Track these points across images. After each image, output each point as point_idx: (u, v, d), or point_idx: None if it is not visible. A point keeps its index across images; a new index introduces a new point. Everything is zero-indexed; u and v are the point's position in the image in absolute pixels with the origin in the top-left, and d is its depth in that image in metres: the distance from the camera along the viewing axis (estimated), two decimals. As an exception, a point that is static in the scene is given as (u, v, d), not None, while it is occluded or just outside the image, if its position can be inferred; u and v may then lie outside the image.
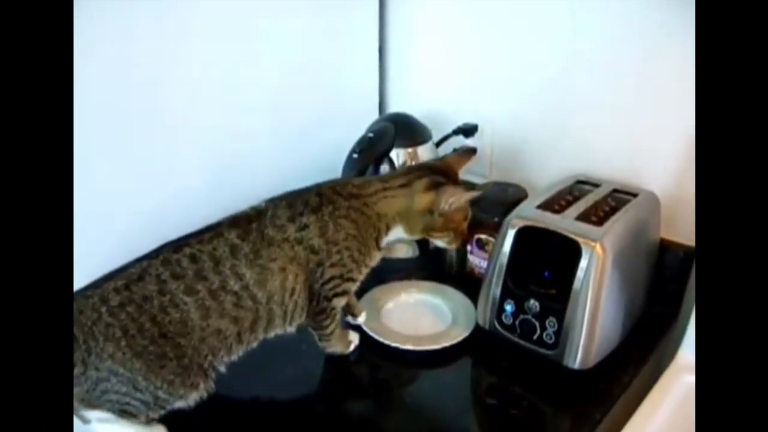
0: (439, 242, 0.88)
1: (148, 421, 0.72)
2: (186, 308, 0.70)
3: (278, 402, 0.80)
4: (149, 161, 0.90)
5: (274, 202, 0.80)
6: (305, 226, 0.77)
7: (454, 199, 0.82)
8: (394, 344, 0.87)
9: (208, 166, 0.99)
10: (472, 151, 0.93)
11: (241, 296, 0.73)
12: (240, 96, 1.00)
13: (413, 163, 1.05)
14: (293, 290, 0.77)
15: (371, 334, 0.89)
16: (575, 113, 1.04)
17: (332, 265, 0.78)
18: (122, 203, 0.88)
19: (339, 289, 0.80)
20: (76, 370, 0.67)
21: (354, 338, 0.89)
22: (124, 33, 0.82)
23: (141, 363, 0.68)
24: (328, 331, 0.83)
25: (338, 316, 0.84)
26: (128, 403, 0.69)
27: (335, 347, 0.86)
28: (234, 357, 0.76)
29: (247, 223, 0.76)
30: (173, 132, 0.92)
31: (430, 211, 0.83)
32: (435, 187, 0.83)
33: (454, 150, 1.13)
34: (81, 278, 0.70)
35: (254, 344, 0.78)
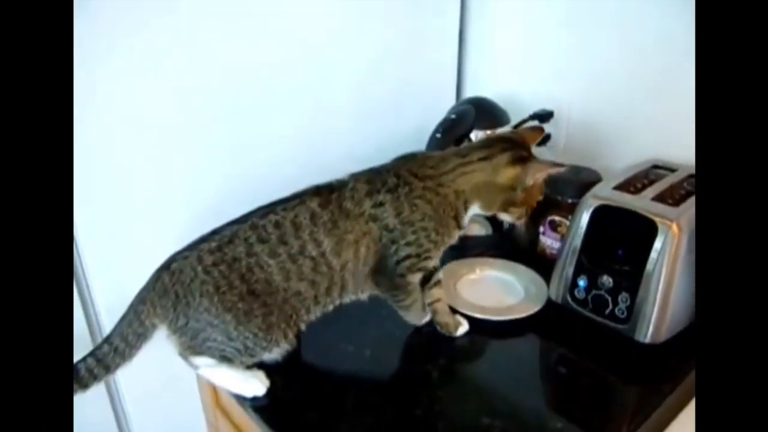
0: (508, 217, 0.87)
1: (248, 367, 0.80)
2: (270, 270, 0.77)
3: (361, 358, 0.86)
4: (241, 136, 0.99)
5: (356, 176, 0.83)
6: (381, 204, 0.80)
7: (541, 174, 0.82)
8: (469, 313, 0.92)
9: (294, 142, 1.06)
10: (541, 129, 0.94)
11: (318, 262, 0.78)
12: (327, 77, 1.06)
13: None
14: (366, 261, 0.81)
15: (454, 306, 0.93)
16: (650, 100, 1.06)
17: (407, 244, 0.81)
18: (216, 175, 0.98)
19: (415, 267, 0.83)
20: (180, 322, 0.76)
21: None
22: (220, 16, 0.90)
23: (231, 316, 0.75)
24: (406, 303, 0.86)
25: (417, 290, 0.86)
26: (224, 350, 0.77)
27: (410, 317, 0.89)
28: (312, 317, 0.82)
29: (328, 193, 0.80)
30: (262, 109, 1.00)
31: (513, 187, 0.83)
32: (520, 161, 0.82)
33: (532, 127, 1.17)
34: (173, 240, 0.80)
35: (330, 307, 0.83)
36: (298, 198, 0.81)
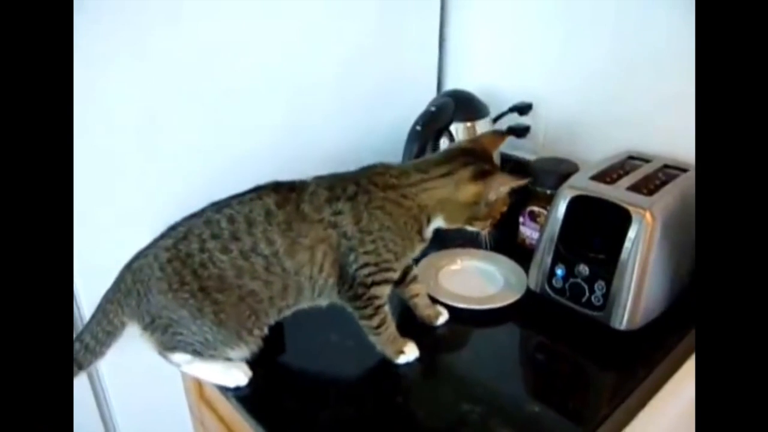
0: (473, 229, 0.86)
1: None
2: (223, 266, 0.75)
3: (344, 348, 0.87)
4: (219, 133, 0.99)
5: (318, 181, 0.81)
6: (340, 212, 0.77)
7: (504, 188, 0.81)
8: (450, 303, 0.94)
9: (272, 140, 1.06)
10: (503, 133, 0.94)
11: (270, 261, 0.76)
12: (305, 73, 1.07)
13: (469, 136, 1.11)
14: (322, 267, 0.78)
15: (433, 295, 0.94)
16: (627, 94, 1.08)
17: (366, 253, 0.78)
18: (183, 170, 0.98)
19: (377, 278, 0.79)
20: (147, 320, 0.77)
21: (410, 350, 0.84)
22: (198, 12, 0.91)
23: (186, 312, 0.75)
24: (373, 323, 0.81)
25: (387, 312, 0.82)
26: (192, 344, 0.77)
27: (385, 347, 0.82)
28: (272, 320, 0.80)
29: (287, 192, 0.78)
30: (238, 107, 1.01)
31: (475, 202, 0.81)
32: (481, 176, 0.80)
33: (509, 129, 1.19)
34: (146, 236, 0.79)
35: (288, 312, 0.81)
36: (255, 193, 0.79)
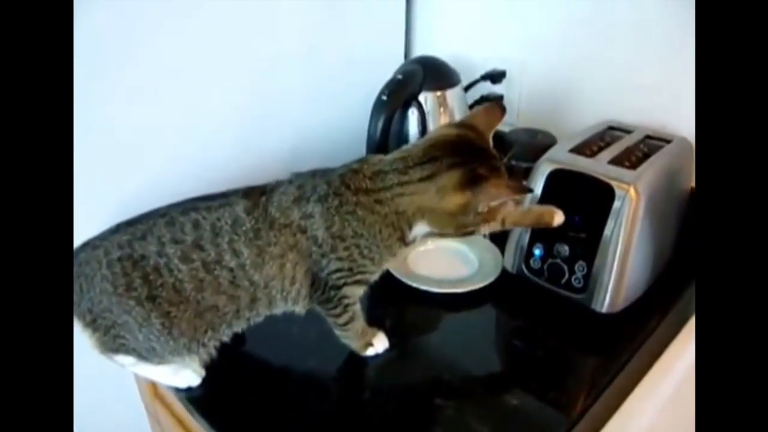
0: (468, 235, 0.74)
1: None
2: (180, 276, 0.66)
3: (307, 339, 0.81)
4: (176, 109, 0.91)
5: (294, 178, 0.72)
6: (310, 215, 0.69)
7: (497, 202, 0.69)
8: (422, 287, 0.88)
9: (237, 116, 0.99)
10: (502, 109, 0.75)
11: (237, 275, 0.68)
12: (266, 43, 0.98)
13: (441, 110, 1.03)
14: (293, 278, 0.70)
15: (399, 277, 0.89)
16: (605, 59, 1.02)
17: (339, 259, 0.70)
18: (151, 151, 0.89)
19: (350, 280, 0.71)
20: (89, 318, 0.68)
21: (379, 343, 0.78)
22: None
23: (130, 318, 0.67)
24: (340, 321, 0.74)
25: (357, 308, 0.75)
26: (136, 349, 0.69)
27: (351, 342, 0.77)
28: (238, 330, 0.73)
29: (258, 196, 0.70)
30: (200, 84, 0.92)
31: (464, 213, 0.68)
32: (470, 183, 0.67)
33: (482, 98, 1.12)
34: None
35: (258, 319, 0.73)
36: (226, 197, 0.70)
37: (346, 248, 0.69)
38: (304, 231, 0.69)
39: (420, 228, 0.71)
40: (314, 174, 0.72)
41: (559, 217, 0.78)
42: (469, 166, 0.67)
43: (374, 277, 0.74)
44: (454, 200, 0.67)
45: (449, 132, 0.72)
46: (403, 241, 0.72)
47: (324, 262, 0.70)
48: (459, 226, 0.70)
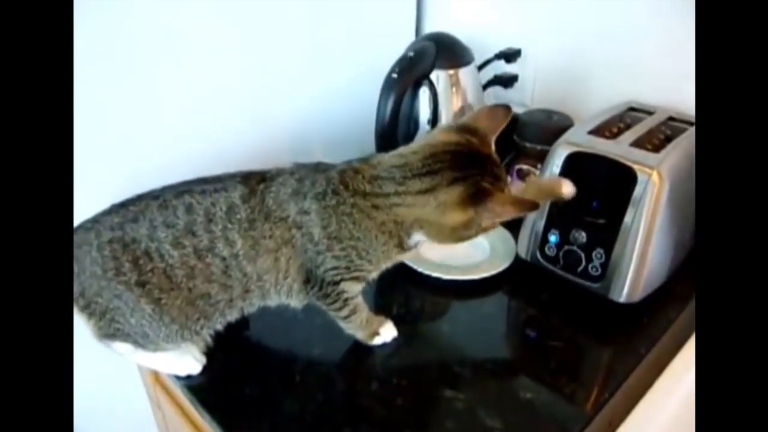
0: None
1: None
2: (171, 262, 0.64)
3: (312, 326, 0.78)
4: (179, 85, 0.87)
5: (295, 168, 0.70)
6: (306, 212, 0.66)
7: (505, 216, 0.65)
8: (433, 274, 0.85)
9: (243, 95, 0.95)
10: (507, 109, 0.71)
11: (230, 264, 0.66)
12: (272, 18, 0.94)
13: (453, 90, 0.99)
14: (287, 272, 0.68)
15: (410, 264, 0.86)
16: (626, 38, 0.97)
17: (336, 257, 0.68)
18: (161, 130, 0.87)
19: (347, 276, 0.69)
20: (82, 303, 0.66)
21: (386, 331, 0.75)
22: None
23: (120, 302, 0.65)
24: (341, 314, 0.72)
25: (358, 300, 0.72)
26: (130, 335, 0.67)
27: (356, 332, 0.74)
28: (232, 319, 0.71)
29: (256, 183, 0.67)
30: (207, 57, 0.89)
31: (465, 227, 0.65)
32: (473, 199, 0.63)
33: (496, 78, 1.08)
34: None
35: (252, 309, 0.71)
36: (222, 182, 0.68)
37: (343, 249, 0.67)
38: (300, 227, 0.66)
39: (419, 236, 0.68)
40: (316, 167, 0.70)
41: (567, 187, 0.74)
42: (471, 180, 0.63)
43: (373, 275, 0.72)
44: (456, 217, 0.64)
45: (449, 139, 0.67)
46: (402, 248, 0.69)
47: (320, 259, 0.68)
48: (459, 238, 0.67)
